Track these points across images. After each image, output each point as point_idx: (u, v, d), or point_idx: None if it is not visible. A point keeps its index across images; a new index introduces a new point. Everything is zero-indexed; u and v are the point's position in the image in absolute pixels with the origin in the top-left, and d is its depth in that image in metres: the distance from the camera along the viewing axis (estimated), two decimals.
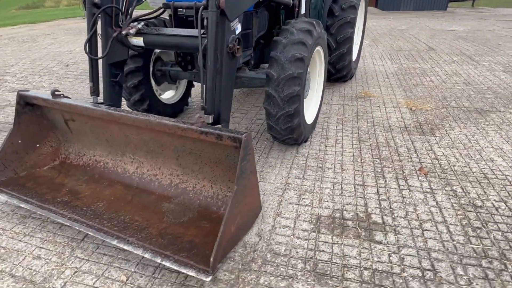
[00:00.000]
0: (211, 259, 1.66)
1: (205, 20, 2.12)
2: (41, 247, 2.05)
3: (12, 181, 2.47)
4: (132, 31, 2.49)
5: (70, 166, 2.71)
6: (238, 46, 2.25)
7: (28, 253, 2.01)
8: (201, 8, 2.16)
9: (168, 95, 3.82)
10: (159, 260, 1.75)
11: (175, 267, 1.70)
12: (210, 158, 2.14)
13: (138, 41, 2.55)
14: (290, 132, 2.80)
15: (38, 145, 2.71)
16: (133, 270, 1.88)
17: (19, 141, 2.56)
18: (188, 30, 2.45)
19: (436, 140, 3.22)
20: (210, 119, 2.25)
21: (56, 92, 2.42)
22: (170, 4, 2.65)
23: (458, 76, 5.10)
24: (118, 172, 2.58)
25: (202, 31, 2.24)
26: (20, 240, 2.11)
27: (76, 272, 1.87)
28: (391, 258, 1.90)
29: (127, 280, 1.82)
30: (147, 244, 1.85)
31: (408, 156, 2.95)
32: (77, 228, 1.99)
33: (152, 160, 2.43)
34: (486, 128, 3.43)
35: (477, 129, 3.43)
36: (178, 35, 2.44)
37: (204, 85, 2.18)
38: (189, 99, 4.11)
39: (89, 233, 1.94)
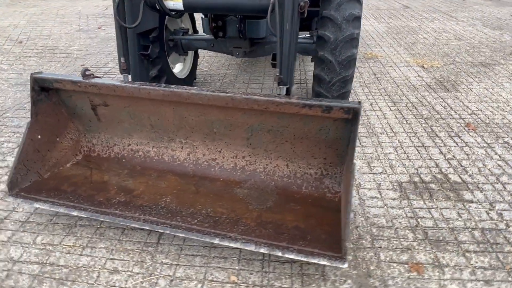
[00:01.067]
0: (344, 243, 1.51)
1: None
2: (112, 259, 1.72)
3: (39, 185, 2.02)
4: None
5: (99, 160, 2.30)
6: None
7: (100, 268, 1.67)
8: None
9: (178, 69, 3.39)
10: (279, 254, 1.55)
11: (302, 258, 1.52)
12: (295, 134, 1.92)
13: (176, 3, 2.13)
14: (340, 97, 2.64)
15: (58, 139, 2.24)
16: (237, 267, 1.67)
17: (39, 136, 2.08)
18: None
19: (463, 96, 3.29)
20: (285, 90, 2.00)
21: (87, 72, 1.96)
22: None
23: (446, 33, 5.26)
24: (165, 161, 2.24)
25: None
26: (80, 254, 1.75)
27: (172, 280, 1.61)
28: (490, 215, 1.92)
29: (238, 279, 1.61)
30: (256, 238, 1.63)
31: (448, 114, 2.97)
32: (160, 231, 1.69)
33: (212, 143, 2.14)
34: (499, 81, 3.59)
35: (492, 82, 3.57)
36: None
37: (280, 52, 1.89)
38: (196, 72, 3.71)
39: (180, 234, 1.66)
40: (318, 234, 1.68)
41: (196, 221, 1.76)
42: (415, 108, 3.09)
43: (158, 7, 2.13)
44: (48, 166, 2.15)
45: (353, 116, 1.60)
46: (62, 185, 2.05)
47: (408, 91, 3.40)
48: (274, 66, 2.22)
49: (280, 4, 1.80)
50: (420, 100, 3.22)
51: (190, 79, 3.52)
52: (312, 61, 3.01)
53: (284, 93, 2.01)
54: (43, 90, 2.05)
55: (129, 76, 2.19)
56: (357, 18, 2.34)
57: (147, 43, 2.37)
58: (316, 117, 1.71)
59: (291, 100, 1.66)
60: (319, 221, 1.79)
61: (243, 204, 1.92)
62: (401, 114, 3.00)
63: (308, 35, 2.88)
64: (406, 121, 2.88)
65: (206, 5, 2.13)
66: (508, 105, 3.09)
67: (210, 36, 2.92)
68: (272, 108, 1.72)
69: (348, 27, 2.33)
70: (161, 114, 2.07)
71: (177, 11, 2.18)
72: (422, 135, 2.65)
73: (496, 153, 2.42)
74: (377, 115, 2.97)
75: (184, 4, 2.11)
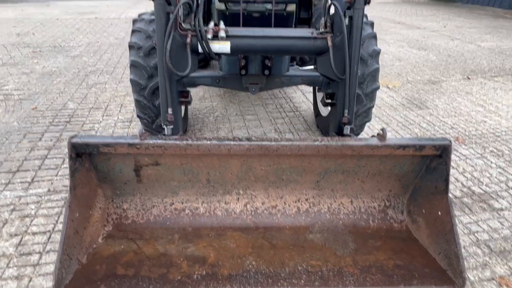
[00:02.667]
0: (463, 275, 1.58)
1: (341, 18, 1.82)
2: None
3: (85, 275, 1.63)
4: (222, 33, 1.91)
5: (137, 228, 1.97)
6: None
7: None
8: (325, 4, 1.85)
9: None
10: None
11: None
12: (369, 172, 1.94)
13: (223, 46, 1.97)
14: (362, 126, 2.77)
15: (90, 212, 1.84)
16: None
17: (77, 214, 1.68)
18: (292, 30, 2.07)
19: (435, 112, 3.77)
20: (349, 130, 2.02)
21: (144, 130, 1.67)
22: None
23: (387, 55, 5.98)
24: (219, 216, 2.03)
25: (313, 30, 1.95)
26: None
27: None
28: None
29: None
30: (376, 286, 1.59)
31: (435, 130, 3.37)
32: None
33: (274, 190, 2.02)
34: (452, 96, 4.23)
35: (447, 97, 4.19)
36: (284, 36, 2.01)
37: (348, 94, 1.91)
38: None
39: None
40: (420, 268, 1.72)
41: (303, 281, 1.64)
42: (406, 127, 3.42)
43: (201, 51, 1.95)
44: (84, 247, 1.75)
45: (442, 152, 1.71)
46: (114, 268, 1.69)
47: (391, 111, 3.76)
48: (328, 105, 2.22)
49: (349, 45, 1.83)
50: (406, 119, 3.59)
51: (185, 124, 3.22)
52: (319, 91, 3.10)
53: (348, 132, 2.04)
54: (78, 156, 1.67)
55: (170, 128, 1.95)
56: (378, 54, 2.52)
57: (185, 89, 2.14)
58: (402, 155, 1.77)
59: (387, 143, 1.69)
60: (409, 254, 1.83)
61: (329, 251, 1.85)
62: (398, 133, 3.29)
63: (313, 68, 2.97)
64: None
65: (257, 47, 2.02)
66: (473, 118, 3.66)
67: (215, 72, 2.78)
68: (367, 152, 1.72)
69: (373, 62, 2.48)
70: (225, 167, 1.88)
71: (222, 54, 2.02)
72: None
73: (492, 162, 2.84)
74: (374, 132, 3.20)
75: (232, 47, 1.97)
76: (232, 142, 1.66)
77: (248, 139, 1.70)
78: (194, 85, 2.90)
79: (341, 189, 2.03)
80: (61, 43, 6.29)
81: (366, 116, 2.66)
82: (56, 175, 2.55)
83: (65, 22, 8.15)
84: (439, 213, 1.77)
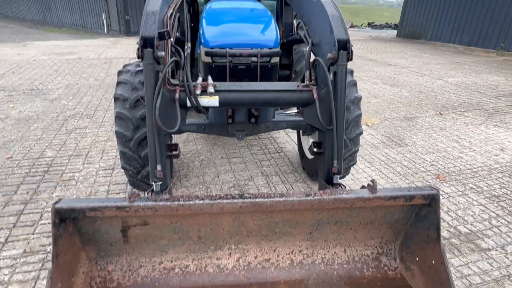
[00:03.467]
0: None
1: (325, 72, 1.90)
2: None
3: None
4: (211, 89, 1.93)
5: None
6: None
7: None
8: (308, 59, 1.94)
9: None
10: None
11: None
12: (361, 222, 1.94)
13: (212, 100, 1.99)
14: (348, 170, 2.82)
15: (73, 279, 1.71)
16: None
17: (59, 285, 1.56)
18: (278, 84, 2.13)
19: (414, 149, 3.91)
20: (338, 179, 2.04)
21: (134, 191, 1.62)
22: (224, 51, 2.21)
23: (363, 92, 6.25)
24: (210, 273, 1.95)
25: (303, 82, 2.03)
26: None
27: None
28: (510, 258, 2.27)
29: None
30: None
31: (416, 168, 3.47)
32: None
33: (267, 243, 1.98)
34: (428, 132, 4.43)
35: (423, 134, 4.37)
36: (271, 90, 2.06)
37: (337, 144, 1.95)
38: None
39: None
40: None
41: None
42: (389, 165, 3.51)
43: (190, 105, 1.96)
44: None
45: (431, 201, 1.74)
46: None
47: (372, 150, 3.86)
48: (315, 154, 2.25)
49: (334, 98, 1.89)
50: (387, 157, 3.69)
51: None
52: (303, 135, 3.16)
53: (338, 181, 2.06)
54: (62, 221, 1.58)
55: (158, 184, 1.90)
56: (360, 100, 2.62)
57: (173, 143, 2.12)
58: (393, 205, 1.79)
59: (378, 195, 1.71)
60: None
61: None
62: (382, 172, 3.36)
63: (297, 112, 3.04)
64: (390, 179, 3.24)
65: (245, 100, 2.06)
66: (450, 154, 3.81)
67: (201, 120, 2.79)
68: (359, 204, 1.73)
69: (355, 108, 2.58)
70: (217, 224, 1.83)
71: (210, 107, 2.04)
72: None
73: (473, 199, 2.93)
74: (364, 176, 3.26)
75: (220, 101, 1.99)
76: (225, 201, 1.63)
77: (241, 196, 1.67)
78: (180, 132, 2.89)
79: (334, 239, 2.02)
80: (39, 85, 6.18)
81: (351, 160, 2.71)
82: (33, 233, 2.40)
83: (42, 63, 8.07)
84: (433, 261, 1.78)
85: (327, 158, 2.10)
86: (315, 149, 2.17)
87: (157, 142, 1.81)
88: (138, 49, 1.73)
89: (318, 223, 1.91)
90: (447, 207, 2.82)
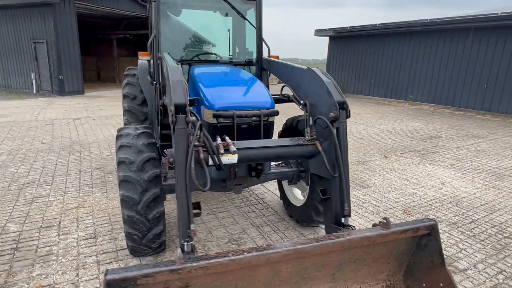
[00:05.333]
0: None
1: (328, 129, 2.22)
2: None
3: None
4: (233, 147, 2.09)
5: None
6: None
7: None
8: (308, 118, 2.27)
9: None
10: None
11: None
12: (375, 257, 2.17)
13: (231, 158, 2.14)
14: None
15: None
16: None
17: None
18: (285, 140, 2.38)
19: (377, 189, 4.40)
20: (348, 220, 2.28)
21: (187, 248, 1.63)
22: (231, 113, 2.43)
23: None
24: None
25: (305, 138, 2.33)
26: None
27: None
28: None
29: None
30: None
31: (384, 205, 3.91)
32: None
33: None
34: (381, 173, 5.03)
35: (379, 175, 4.96)
36: (281, 145, 2.30)
37: (345, 188, 2.21)
38: None
39: None
40: None
41: None
42: (362, 206, 3.89)
43: (211, 163, 2.07)
44: None
45: (432, 231, 2.06)
46: None
47: None
48: (324, 200, 2.46)
49: (339, 150, 2.19)
50: (358, 199, 4.09)
51: None
52: (290, 184, 3.40)
53: (348, 222, 2.30)
54: None
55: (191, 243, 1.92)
56: None
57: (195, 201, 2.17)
58: (402, 238, 2.07)
59: (393, 230, 1.97)
60: None
61: None
62: (358, 212, 3.71)
63: (282, 164, 3.30)
64: (367, 217, 3.59)
65: (261, 156, 2.26)
66: (406, 191, 4.38)
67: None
68: (379, 240, 1.97)
69: None
70: (253, 276, 1.88)
71: (230, 165, 2.18)
72: None
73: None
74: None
75: (239, 158, 2.15)
76: (271, 251, 1.73)
77: (283, 245, 1.79)
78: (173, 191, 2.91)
79: (351, 278, 2.19)
80: None
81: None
82: None
83: None
84: (441, 284, 2.05)
85: (334, 202, 2.35)
86: (323, 196, 2.41)
87: (190, 202, 1.87)
88: (172, 115, 1.86)
89: (341, 263, 2.09)
90: None
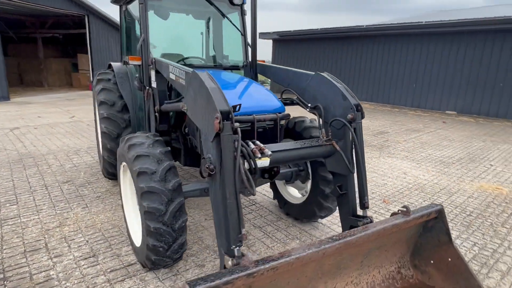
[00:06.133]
0: None
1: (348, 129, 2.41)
2: None
3: None
4: (268, 151, 2.15)
5: None
6: None
7: None
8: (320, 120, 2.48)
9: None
10: None
11: None
12: (393, 243, 2.41)
13: (264, 162, 2.20)
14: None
15: None
16: None
17: None
18: (307, 141, 2.51)
19: None
20: (367, 212, 2.50)
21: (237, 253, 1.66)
22: (251, 118, 2.49)
23: None
24: None
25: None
26: None
27: None
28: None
29: None
30: None
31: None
32: None
33: (331, 281, 2.22)
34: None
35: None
36: (305, 147, 2.43)
37: (364, 182, 2.43)
38: None
39: None
40: None
41: None
42: None
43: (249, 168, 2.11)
44: None
45: (439, 214, 2.37)
46: None
47: None
48: (341, 195, 2.62)
49: (358, 148, 2.40)
50: None
51: None
52: (287, 183, 3.55)
53: (367, 214, 2.52)
54: None
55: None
56: None
57: None
58: (415, 223, 2.34)
59: (413, 216, 2.23)
60: None
61: None
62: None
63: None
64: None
65: (289, 158, 2.36)
66: (378, 182, 4.83)
67: (203, 184, 2.86)
68: (403, 226, 2.21)
69: None
70: (303, 272, 1.98)
71: (262, 168, 2.23)
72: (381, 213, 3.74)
73: None
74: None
75: (271, 161, 2.22)
76: (327, 245, 1.85)
77: (335, 238, 1.92)
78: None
79: (374, 263, 2.41)
80: None
81: None
82: None
83: None
84: (449, 259, 2.37)
85: (350, 196, 2.56)
86: (340, 192, 2.59)
87: (240, 206, 1.90)
88: (219, 122, 1.86)
89: (369, 251, 2.29)
90: None
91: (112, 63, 4.32)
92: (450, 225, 3.54)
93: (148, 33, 3.24)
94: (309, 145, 2.50)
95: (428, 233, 2.48)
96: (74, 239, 3.11)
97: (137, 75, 3.45)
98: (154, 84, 3.19)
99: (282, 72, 3.23)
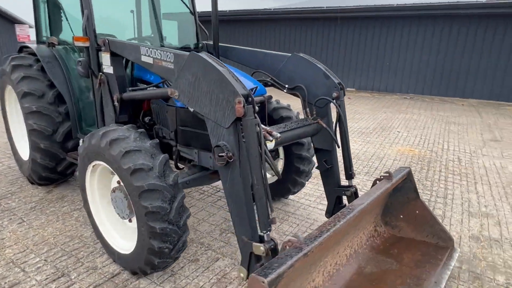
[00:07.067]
0: (451, 237, 2.66)
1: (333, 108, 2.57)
2: None
3: None
4: (276, 134, 2.12)
5: None
6: None
7: None
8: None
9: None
10: None
11: None
12: (375, 206, 2.71)
13: (270, 144, 2.19)
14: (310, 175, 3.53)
15: None
16: None
17: None
18: (299, 121, 2.56)
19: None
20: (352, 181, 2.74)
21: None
22: (262, 98, 2.50)
23: None
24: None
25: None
26: None
27: None
28: None
29: None
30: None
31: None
32: None
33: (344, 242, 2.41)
34: None
35: None
36: (299, 127, 2.49)
37: (348, 157, 2.65)
38: None
39: None
40: (421, 250, 2.68)
41: None
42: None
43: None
44: None
45: (408, 175, 2.76)
46: None
47: None
48: (327, 170, 2.75)
49: (341, 121, 2.59)
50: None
51: None
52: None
53: (352, 183, 2.75)
54: None
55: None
56: None
57: None
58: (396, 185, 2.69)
59: (395, 179, 2.54)
60: (405, 248, 2.76)
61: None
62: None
63: None
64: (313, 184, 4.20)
65: (288, 138, 2.38)
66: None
67: (201, 173, 2.77)
68: (389, 190, 2.50)
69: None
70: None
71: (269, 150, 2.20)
72: None
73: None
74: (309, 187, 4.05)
75: (275, 144, 2.22)
76: (350, 215, 1.99)
77: (351, 208, 2.08)
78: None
79: (362, 226, 2.69)
80: None
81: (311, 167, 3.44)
82: None
83: None
84: (417, 211, 2.81)
85: (335, 170, 2.76)
86: (327, 166, 2.76)
87: (269, 192, 1.87)
88: (243, 106, 1.77)
89: (363, 217, 2.55)
90: None
91: (28, 45, 3.53)
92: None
93: (92, 8, 2.76)
94: (302, 124, 2.58)
95: (398, 193, 2.85)
96: (26, 261, 2.56)
97: (80, 59, 2.92)
98: (109, 70, 2.76)
99: (249, 54, 3.18)
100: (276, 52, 2.97)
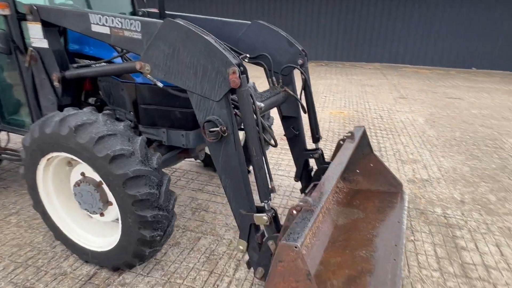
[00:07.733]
0: (400, 183, 3.08)
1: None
2: None
3: None
4: (260, 104, 2.08)
5: None
6: None
7: None
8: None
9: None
10: None
11: None
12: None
13: None
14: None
15: None
16: None
17: None
18: (272, 91, 2.54)
19: None
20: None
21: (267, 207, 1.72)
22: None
23: None
24: None
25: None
26: None
27: None
28: None
29: None
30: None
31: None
32: None
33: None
34: None
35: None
36: (273, 95, 2.46)
37: (313, 121, 2.78)
38: None
39: None
40: (377, 197, 3.07)
41: None
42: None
43: None
44: None
45: (363, 133, 3.04)
46: None
47: None
48: (296, 136, 2.82)
49: (307, 87, 2.68)
50: None
51: None
52: None
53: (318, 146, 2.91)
54: None
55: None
56: None
57: None
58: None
59: (357, 139, 2.77)
60: (366, 198, 3.13)
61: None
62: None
63: None
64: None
65: (268, 107, 2.35)
66: None
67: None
68: (357, 148, 2.73)
69: None
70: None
71: None
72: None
73: None
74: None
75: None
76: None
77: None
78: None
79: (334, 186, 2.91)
80: None
81: None
82: None
83: None
84: (371, 164, 3.15)
85: (302, 135, 2.88)
86: (296, 132, 2.85)
87: (267, 162, 1.87)
88: (238, 76, 1.68)
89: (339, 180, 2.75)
90: None
91: None
92: (330, 146, 4.49)
93: None
94: (274, 93, 2.58)
95: (355, 150, 3.14)
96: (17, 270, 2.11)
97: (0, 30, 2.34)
98: (41, 43, 2.30)
99: (204, 22, 2.96)
100: (235, 20, 2.85)
